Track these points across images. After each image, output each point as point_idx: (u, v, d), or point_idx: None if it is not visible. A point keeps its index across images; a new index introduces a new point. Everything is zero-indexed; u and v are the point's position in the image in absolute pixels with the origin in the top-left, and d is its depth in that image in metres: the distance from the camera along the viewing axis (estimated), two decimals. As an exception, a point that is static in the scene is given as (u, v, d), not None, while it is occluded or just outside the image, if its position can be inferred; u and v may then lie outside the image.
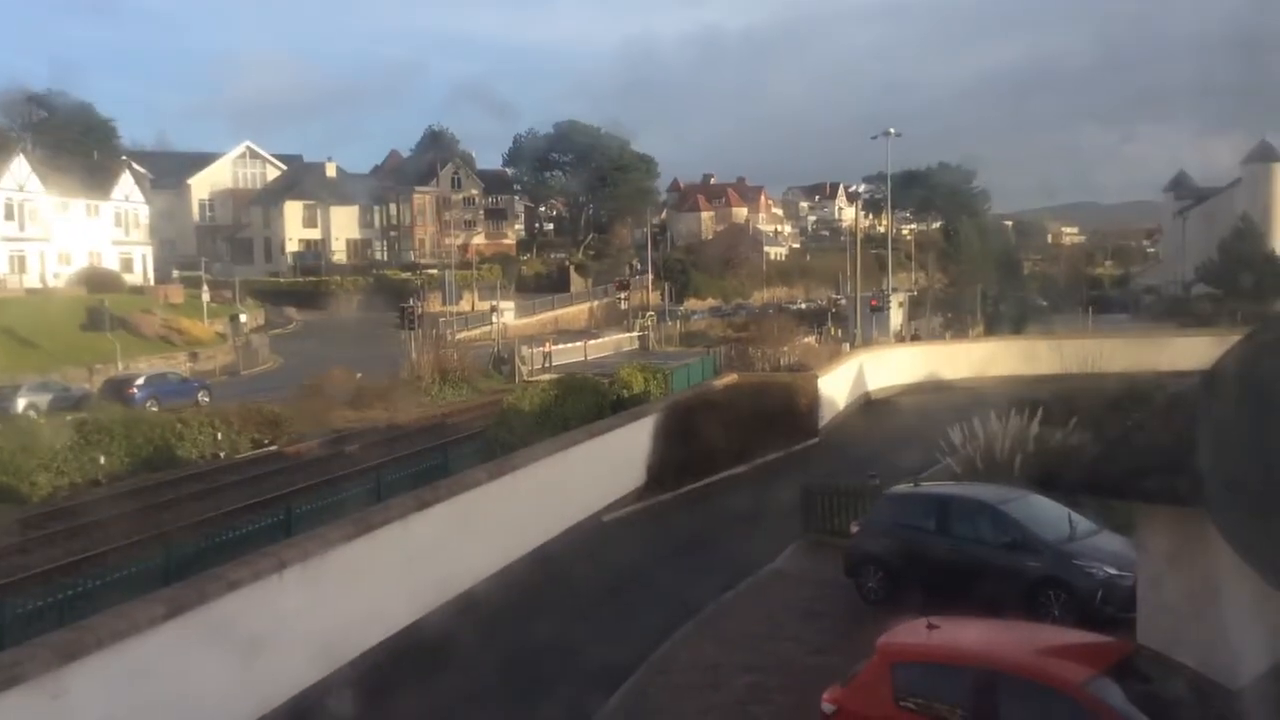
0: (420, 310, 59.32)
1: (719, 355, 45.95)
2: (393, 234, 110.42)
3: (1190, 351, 24.66)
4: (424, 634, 14.45)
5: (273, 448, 34.09)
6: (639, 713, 12.55)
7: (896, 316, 58.31)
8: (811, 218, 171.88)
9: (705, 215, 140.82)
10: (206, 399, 44.42)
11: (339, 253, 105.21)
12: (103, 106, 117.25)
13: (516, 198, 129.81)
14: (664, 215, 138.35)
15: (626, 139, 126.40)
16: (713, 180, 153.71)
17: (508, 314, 77.98)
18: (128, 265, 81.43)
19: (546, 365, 54.18)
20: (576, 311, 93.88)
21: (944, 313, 72.81)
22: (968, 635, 10.29)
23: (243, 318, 70.23)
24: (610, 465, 22.85)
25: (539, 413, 28.00)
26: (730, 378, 33.04)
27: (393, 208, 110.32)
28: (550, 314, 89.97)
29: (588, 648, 14.36)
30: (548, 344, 59.32)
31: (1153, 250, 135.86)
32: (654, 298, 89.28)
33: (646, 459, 24.40)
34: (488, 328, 71.74)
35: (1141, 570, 11.72)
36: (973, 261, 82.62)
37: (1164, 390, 16.32)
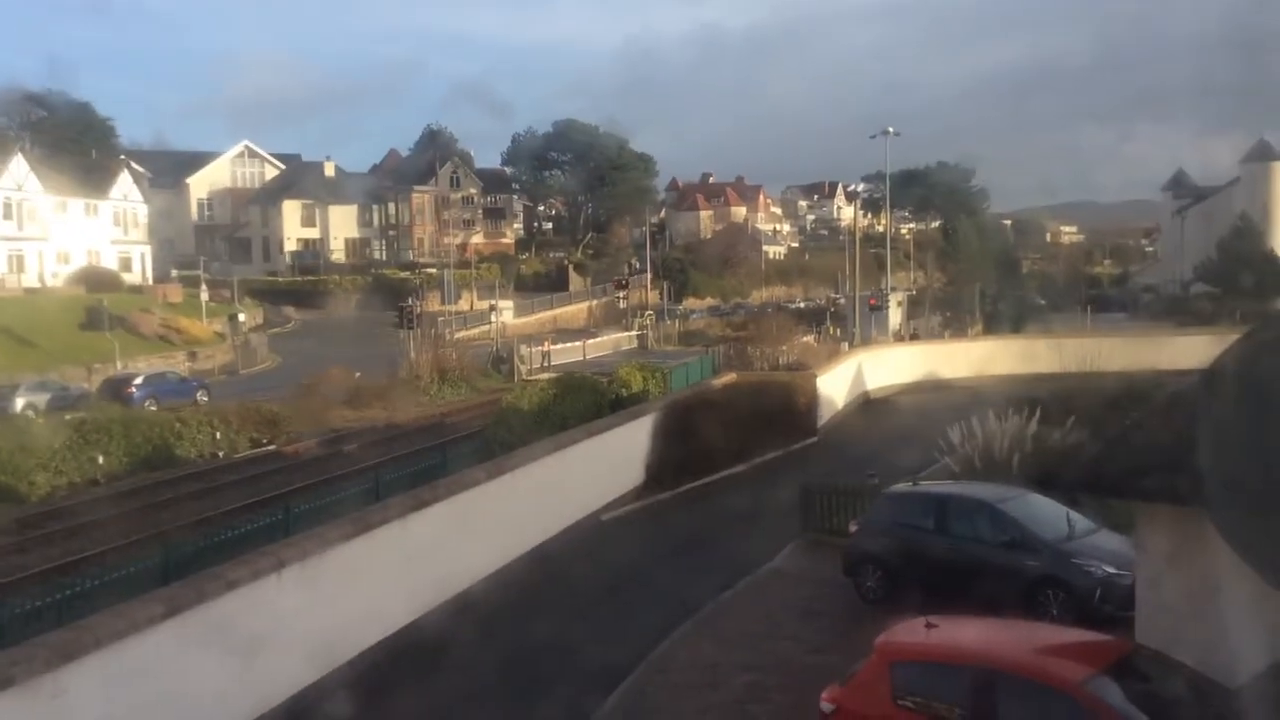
0: (419, 309, 59.29)
1: (718, 354, 45.86)
2: (391, 233, 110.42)
3: (1189, 350, 24.68)
4: (422, 633, 14.44)
5: (271, 447, 34.08)
6: (637, 712, 12.55)
7: (895, 316, 58.32)
8: (810, 217, 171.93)
9: (704, 214, 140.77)
10: (205, 398, 44.41)
11: (337, 252, 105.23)
12: (101, 106, 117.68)
13: (515, 197, 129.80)
14: (663, 214, 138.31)
15: (625, 138, 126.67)
16: (711, 179, 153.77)
17: (506, 313, 77.97)
18: (126, 264, 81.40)
19: (545, 364, 54.22)
20: (575, 311, 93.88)
21: (943, 312, 72.87)
22: (966, 634, 10.29)
23: (241, 317, 70.25)
24: (609, 464, 22.84)
25: (537, 412, 27.98)
26: (729, 377, 33.02)
27: (391, 207, 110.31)
28: (549, 313, 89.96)
29: (586, 647, 14.35)
30: (546, 343, 59.36)
31: (1151, 249, 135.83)
32: (652, 297, 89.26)
33: (645, 458, 24.40)
34: (486, 327, 71.73)
35: (1140, 569, 11.72)
36: (971, 260, 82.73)
37: (1163, 389, 16.29)
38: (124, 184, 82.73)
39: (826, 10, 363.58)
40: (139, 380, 44.84)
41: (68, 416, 33.66)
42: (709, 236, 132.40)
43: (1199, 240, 78.43)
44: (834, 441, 29.83)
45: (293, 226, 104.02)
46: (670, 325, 77.47)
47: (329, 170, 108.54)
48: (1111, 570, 13.59)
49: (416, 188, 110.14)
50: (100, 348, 55.03)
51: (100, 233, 79.50)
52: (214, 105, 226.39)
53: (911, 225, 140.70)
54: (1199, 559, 10.05)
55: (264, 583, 11.79)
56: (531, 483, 18.74)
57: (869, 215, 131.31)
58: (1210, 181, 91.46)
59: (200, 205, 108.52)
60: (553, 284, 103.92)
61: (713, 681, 13.17)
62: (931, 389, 37.52)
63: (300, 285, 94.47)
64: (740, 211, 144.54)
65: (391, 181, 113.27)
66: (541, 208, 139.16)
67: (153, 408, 40.02)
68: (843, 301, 68.82)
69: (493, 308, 73.27)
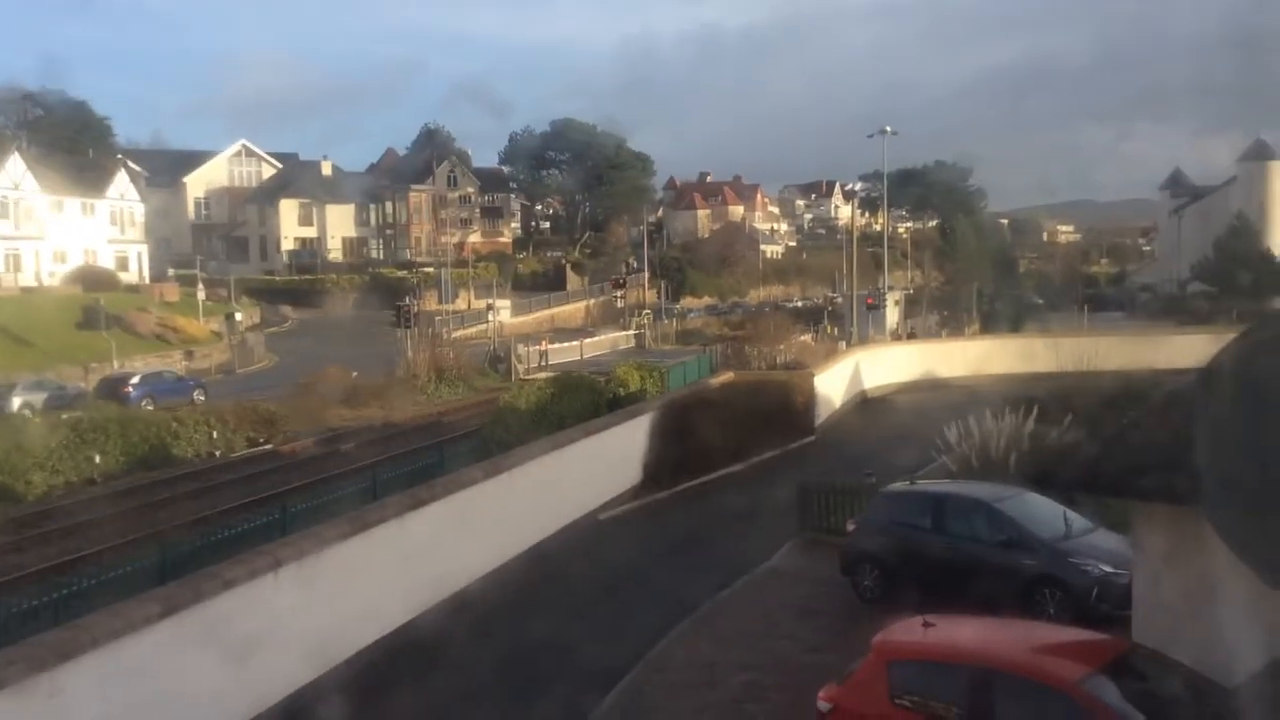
0: (416, 308, 59.26)
1: (715, 353, 45.87)
2: (388, 232, 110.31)
3: (1186, 349, 24.71)
4: (419, 633, 14.43)
5: (268, 446, 34.05)
6: (635, 711, 12.54)
7: (892, 315, 58.29)
8: (808, 216, 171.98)
9: (702, 213, 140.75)
10: (202, 397, 44.38)
11: (334, 251, 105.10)
12: (98, 105, 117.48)
13: (513, 196, 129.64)
14: (660, 213, 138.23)
15: (623, 137, 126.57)
16: (709, 178, 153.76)
17: (504, 312, 77.88)
18: (123, 264, 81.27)
19: (542, 363, 54.16)
20: (573, 310, 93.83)
21: (940, 311, 72.95)
22: (963, 633, 10.29)
23: (238, 316, 70.14)
24: (606, 463, 22.84)
25: (535, 411, 27.96)
26: (726, 376, 33.00)
27: (388, 206, 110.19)
28: (546, 312, 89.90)
29: (583, 646, 14.35)
30: (544, 342, 59.29)
31: (1148, 248, 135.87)
32: (650, 296, 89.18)
33: (643, 457, 24.39)
34: (484, 326, 71.65)
35: (1137, 568, 11.73)
36: (969, 260, 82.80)
37: (1160, 388, 16.27)
38: (121, 183, 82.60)
39: (824, 9, 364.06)
40: (136, 379, 44.80)
41: (64, 416, 33.63)
42: (706, 236, 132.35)
43: (1196, 239, 78.40)
44: (831, 440, 29.83)
45: (290, 225, 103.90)
46: (668, 324, 77.43)
47: (326, 169, 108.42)
48: (1108, 569, 13.59)
49: (414, 187, 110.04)
50: (97, 347, 54.95)
51: (97, 232, 79.40)
52: (211, 105, 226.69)
53: (909, 224, 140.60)
54: (1196, 558, 10.06)
55: (261, 582, 11.78)
56: (529, 482, 18.73)
57: (866, 214, 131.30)
58: (1207, 181, 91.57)
59: (197, 204, 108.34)
60: (550, 283, 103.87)
61: (710, 680, 13.16)
62: (929, 388, 37.53)
63: (297, 284, 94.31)
64: (738, 211, 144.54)
65: (389, 181, 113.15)
66: (539, 207, 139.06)
67: (149, 407, 39.99)
68: (840, 300, 68.77)
69: (490, 307, 73.16)
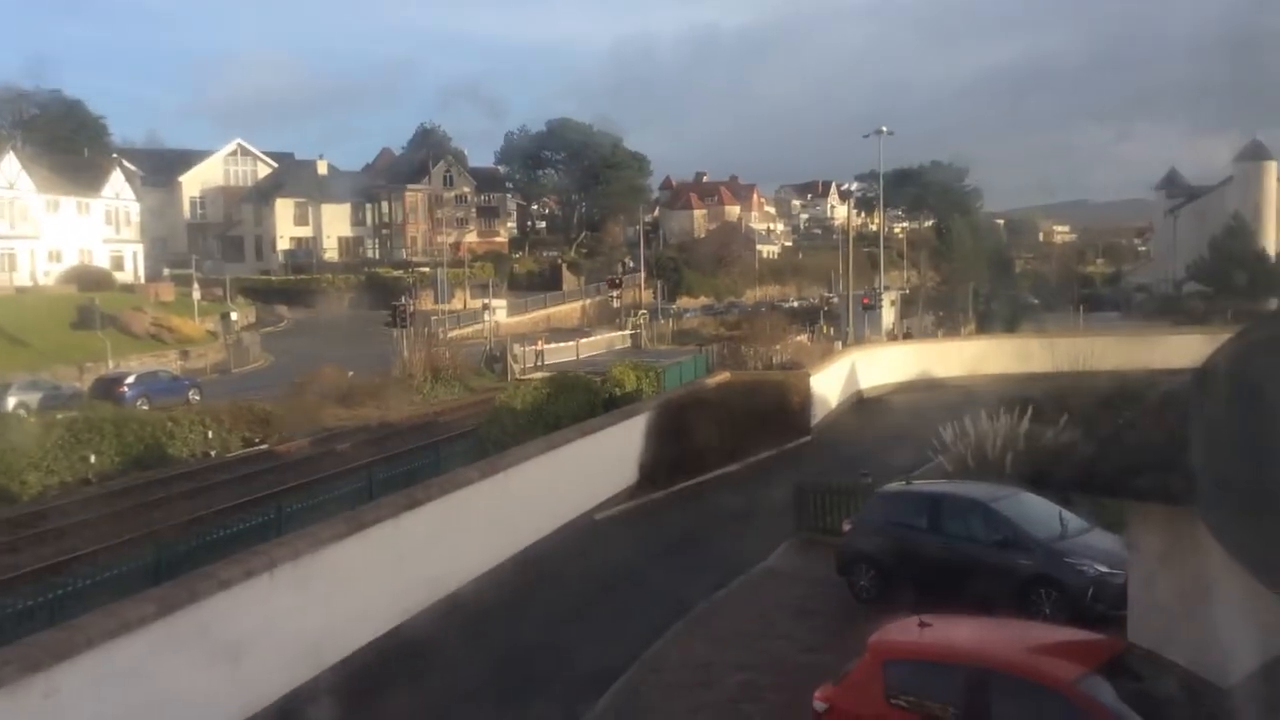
0: (412, 308, 59.26)
1: (711, 353, 45.90)
2: (384, 232, 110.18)
3: (1182, 350, 24.58)
4: (415, 633, 14.42)
5: (264, 446, 33.99)
6: (630, 712, 12.53)
7: (888, 315, 58.26)
8: (804, 216, 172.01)
9: (698, 213, 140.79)
10: (197, 397, 44.30)
11: (330, 250, 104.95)
12: (93, 104, 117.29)
13: (509, 195, 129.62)
14: (656, 213, 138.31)
15: (619, 136, 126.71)
16: (705, 178, 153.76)
17: (500, 312, 77.89)
18: (118, 263, 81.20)
19: (538, 363, 54.12)
20: (569, 310, 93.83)
21: (936, 311, 72.85)
22: (959, 633, 10.30)
23: (234, 316, 70.02)
24: (602, 464, 22.83)
25: (531, 411, 27.96)
26: (722, 376, 33.00)
27: (384, 205, 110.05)
28: (542, 312, 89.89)
29: (579, 646, 14.36)
30: (540, 342, 59.25)
31: (1144, 248, 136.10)
32: (646, 296, 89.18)
33: (639, 457, 24.38)
34: (480, 326, 71.67)
35: (1133, 568, 11.75)
36: (965, 260, 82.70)
37: (1155, 388, 16.31)
38: (116, 182, 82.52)
39: (821, 9, 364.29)
40: (131, 379, 44.70)
41: (59, 415, 33.55)
42: (703, 235, 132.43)
43: (1192, 239, 78.48)
44: (827, 440, 29.85)
45: (285, 225, 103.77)
46: (664, 324, 77.44)
47: (322, 169, 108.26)
48: (1104, 569, 13.60)
49: (410, 186, 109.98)
50: (92, 347, 54.87)
51: (92, 231, 79.32)
52: (207, 104, 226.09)
53: (905, 224, 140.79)
54: (1191, 558, 10.07)
55: (256, 582, 11.76)
56: (525, 482, 18.72)
57: (862, 214, 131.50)
58: (1203, 181, 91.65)
59: (193, 204, 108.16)
60: (546, 283, 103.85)
61: (706, 681, 13.16)
62: (925, 388, 37.56)
63: (293, 284, 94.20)
64: (734, 210, 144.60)
65: (385, 180, 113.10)
66: (535, 206, 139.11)
67: (145, 407, 39.94)
68: (836, 300, 68.75)
69: (486, 307, 73.16)
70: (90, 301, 59.25)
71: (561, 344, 61.30)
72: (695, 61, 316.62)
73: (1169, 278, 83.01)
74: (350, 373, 45.13)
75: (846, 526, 16.69)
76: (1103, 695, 8.76)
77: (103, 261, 78.84)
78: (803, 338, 54.56)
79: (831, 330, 61.05)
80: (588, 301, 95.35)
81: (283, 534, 15.40)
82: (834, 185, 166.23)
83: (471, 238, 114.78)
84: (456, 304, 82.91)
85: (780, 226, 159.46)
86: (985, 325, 65.05)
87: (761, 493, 22.71)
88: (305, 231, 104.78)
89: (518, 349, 55.06)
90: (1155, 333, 45.22)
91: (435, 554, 15.76)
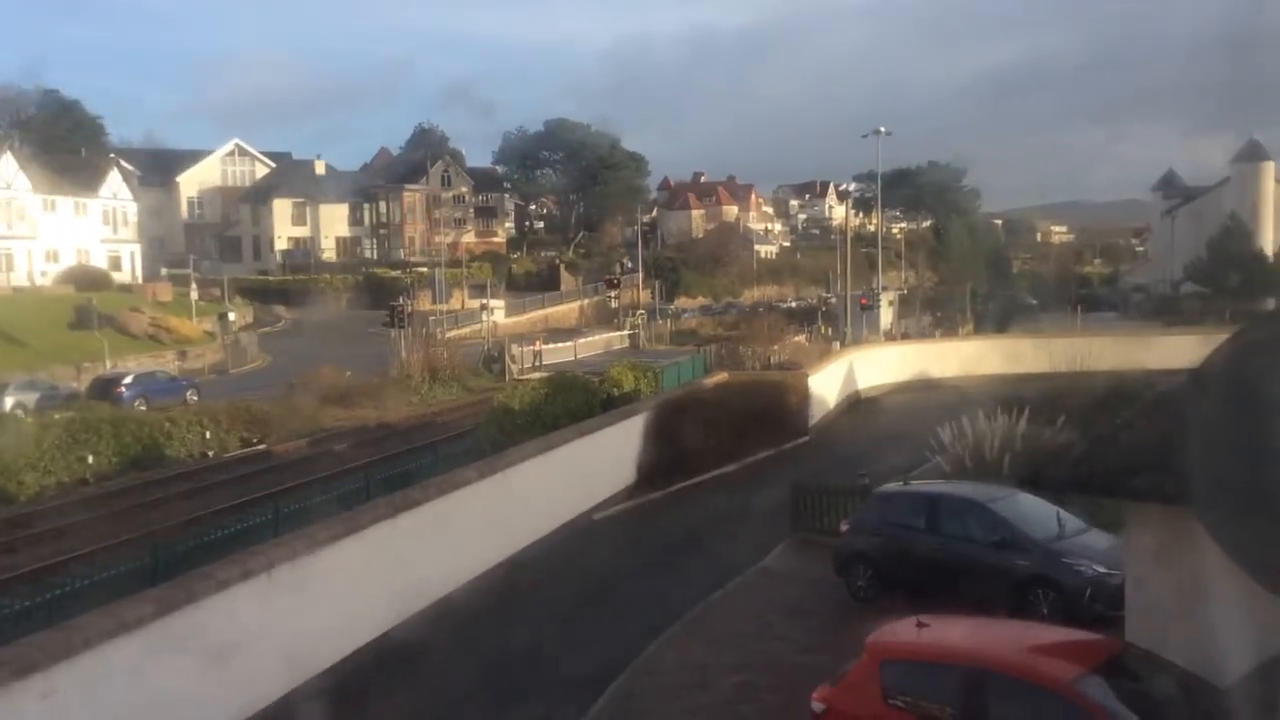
0: (410, 308, 59.16)
1: (709, 354, 45.91)
2: (382, 232, 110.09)
3: (1178, 350, 24.74)
4: (411, 634, 14.40)
5: (261, 446, 33.99)
6: (626, 714, 12.51)
7: (886, 315, 58.36)
8: (802, 216, 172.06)
9: (696, 213, 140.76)
10: (195, 398, 44.25)
11: (328, 250, 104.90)
12: (90, 104, 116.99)
13: (506, 196, 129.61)
14: (654, 213, 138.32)
15: (616, 137, 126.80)
16: (703, 178, 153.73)
17: (498, 312, 77.84)
18: (116, 263, 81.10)
19: (536, 364, 54.10)
20: (567, 310, 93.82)
21: (933, 311, 73.02)
22: (957, 633, 10.30)
23: (231, 316, 70.00)
24: (600, 464, 22.83)
25: (529, 411, 27.94)
26: (720, 376, 33.01)
27: (382, 206, 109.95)
28: (540, 312, 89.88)
29: (575, 648, 14.35)
30: (538, 342, 59.23)
31: (1141, 249, 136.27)
32: (644, 296, 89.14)
33: (636, 457, 24.38)
34: (477, 326, 71.67)
35: (1129, 568, 11.75)
36: (962, 260, 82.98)
37: (1152, 389, 16.31)
38: (113, 182, 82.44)
39: (821, 9, 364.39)
40: (128, 379, 44.65)
41: (57, 416, 33.54)
42: (701, 236, 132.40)
43: (1189, 240, 78.57)
44: (825, 441, 29.85)
45: (283, 225, 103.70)
46: (662, 325, 77.43)
47: (319, 169, 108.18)
48: (1101, 569, 13.61)
49: (407, 186, 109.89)
50: (89, 347, 54.80)
51: (89, 231, 79.22)
52: (206, 104, 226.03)
53: (903, 225, 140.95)
54: (1188, 558, 10.07)
55: (254, 583, 11.74)
56: (523, 482, 18.72)
57: (860, 215, 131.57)
58: (1200, 181, 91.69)
59: (190, 204, 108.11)
60: (544, 283, 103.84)
61: (702, 682, 13.14)
62: (922, 388, 37.56)
63: (291, 284, 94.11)
64: (732, 211, 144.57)
65: (382, 180, 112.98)
66: (533, 207, 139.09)
67: (142, 407, 39.91)
68: (834, 301, 68.79)
69: (484, 307, 73.15)
70: (88, 302, 59.13)
71: (559, 344, 61.28)
72: (694, 62, 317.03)
73: (1166, 278, 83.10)
74: (348, 373, 45.10)
75: (844, 527, 16.69)
76: (1100, 695, 8.76)
77: (100, 262, 78.74)
78: (800, 338, 54.58)
79: (829, 330, 61.07)
80: (586, 302, 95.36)
81: (280, 535, 15.41)
82: (832, 185, 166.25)
83: (469, 238, 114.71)
84: (454, 304, 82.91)
85: (778, 227, 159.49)
86: (982, 326, 65.19)
87: (759, 493, 22.71)
88: (303, 232, 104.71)
89: (515, 349, 55.05)
90: (1152, 333, 45.30)
91: (433, 554, 15.76)
